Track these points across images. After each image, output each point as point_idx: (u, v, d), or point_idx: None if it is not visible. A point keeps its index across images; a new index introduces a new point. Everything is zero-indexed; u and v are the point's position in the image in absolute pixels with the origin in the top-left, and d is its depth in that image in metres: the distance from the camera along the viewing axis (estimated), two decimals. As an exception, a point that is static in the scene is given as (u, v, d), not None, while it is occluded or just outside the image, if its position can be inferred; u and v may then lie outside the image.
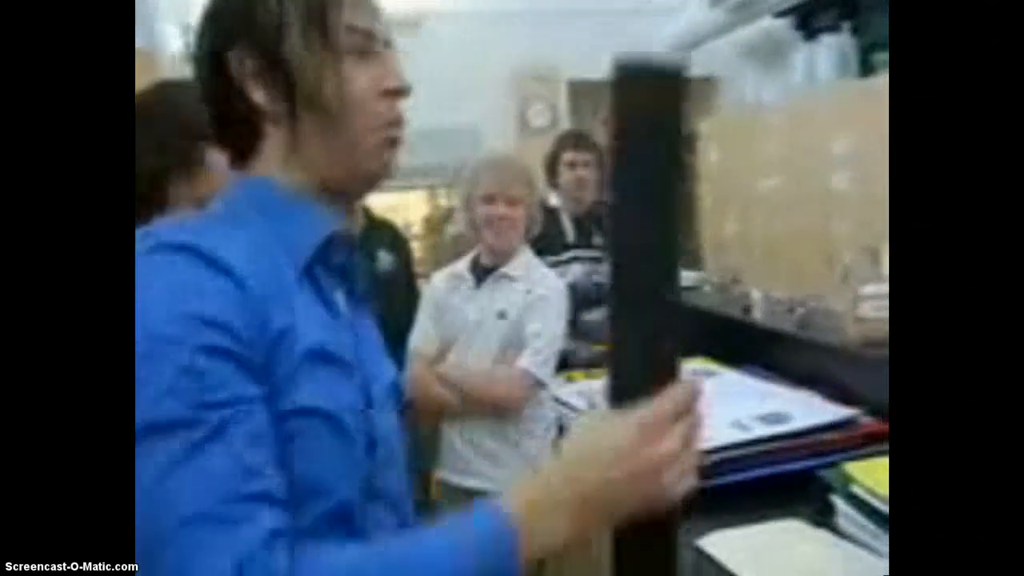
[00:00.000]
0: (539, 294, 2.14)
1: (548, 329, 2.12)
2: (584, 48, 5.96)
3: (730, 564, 1.37)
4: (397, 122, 0.82)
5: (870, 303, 2.23)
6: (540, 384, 2.11)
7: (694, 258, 6.40)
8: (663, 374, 0.70)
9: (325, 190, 0.82)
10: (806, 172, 5.17)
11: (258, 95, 0.79)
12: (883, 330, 2.12)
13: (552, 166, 2.94)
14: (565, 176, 2.91)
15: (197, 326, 0.65)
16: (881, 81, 4.64)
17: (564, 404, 2.20)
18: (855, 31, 5.09)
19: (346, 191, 0.85)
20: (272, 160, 0.81)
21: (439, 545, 0.69)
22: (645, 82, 0.69)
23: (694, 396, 0.72)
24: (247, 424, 0.66)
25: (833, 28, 5.22)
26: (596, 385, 2.36)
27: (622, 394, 0.70)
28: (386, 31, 0.83)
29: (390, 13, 0.85)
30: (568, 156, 2.92)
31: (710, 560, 1.39)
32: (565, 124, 5.99)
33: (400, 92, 0.82)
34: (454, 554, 0.68)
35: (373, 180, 0.85)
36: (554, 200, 2.95)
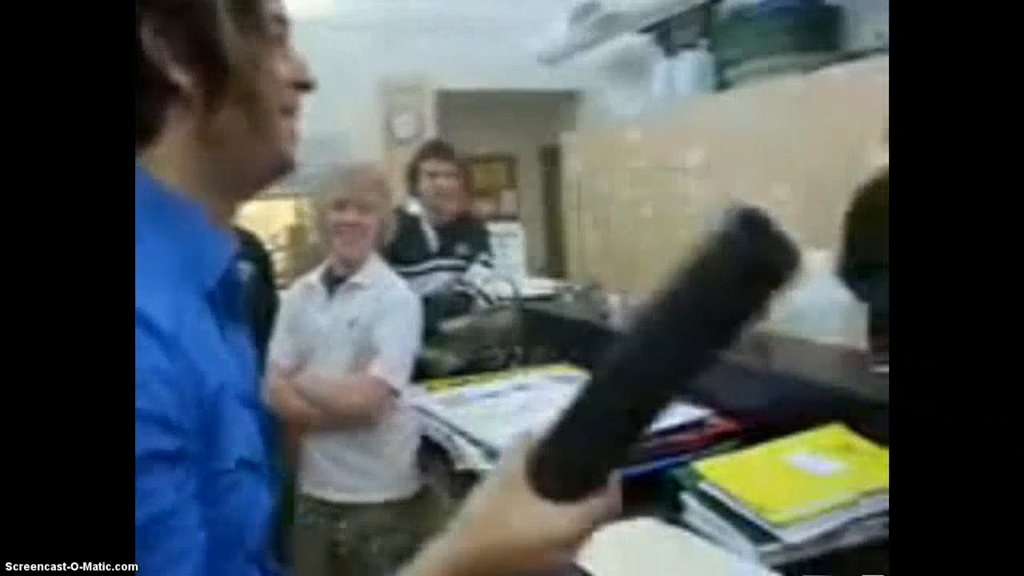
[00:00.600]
0: (389, 301, 2.12)
1: (398, 335, 2.11)
2: (451, 60, 6.00)
3: (585, 563, 1.39)
4: (296, 114, 0.80)
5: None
6: (394, 392, 2.09)
7: (558, 268, 6.52)
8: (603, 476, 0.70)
9: (225, 186, 0.76)
10: (665, 182, 5.36)
11: (180, 77, 0.70)
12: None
13: (413, 175, 2.93)
14: (425, 185, 2.90)
15: None
16: (735, 95, 4.86)
17: (427, 413, 2.19)
18: (711, 48, 5.30)
19: (249, 185, 0.79)
20: (172, 149, 0.71)
21: None
22: (769, 242, 0.62)
23: (613, 514, 0.71)
24: (172, 541, 0.62)
25: (691, 45, 5.42)
26: (459, 393, 2.37)
27: (555, 473, 0.69)
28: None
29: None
30: (429, 166, 2.91)
31: (565, 562, 1.41)
32: (431, 134, 5.99)
33: (310, 86, 0.80)
34: None
35: (280, 171, 0.79)
36: (415, 209, 2.94)
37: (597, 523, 0.69)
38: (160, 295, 0.63)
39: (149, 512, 0.60)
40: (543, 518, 0.67)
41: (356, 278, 2.12)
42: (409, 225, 2.86)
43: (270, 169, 0.78)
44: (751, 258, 0.60)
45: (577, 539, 0.69)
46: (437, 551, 0.70)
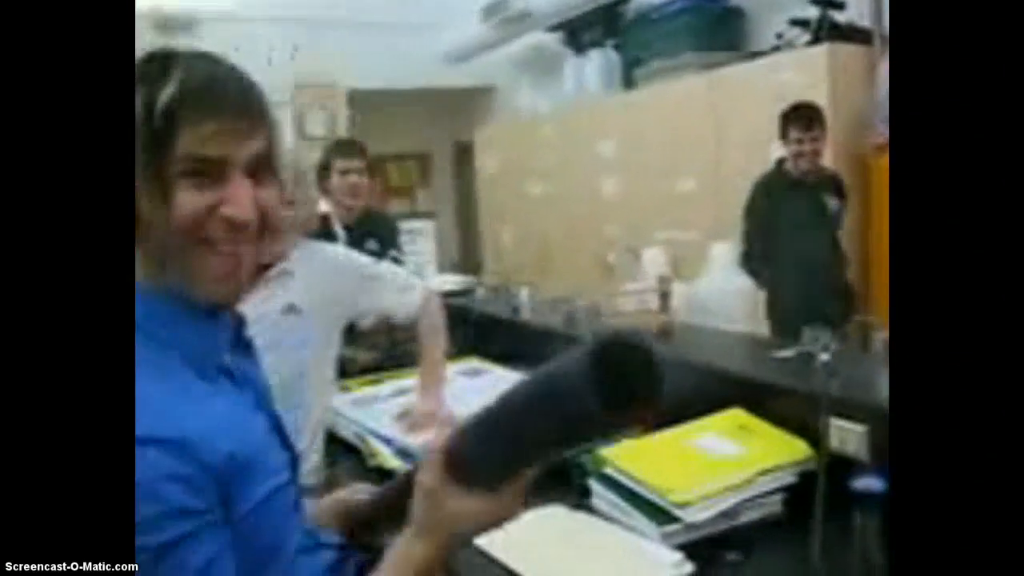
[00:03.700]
0: (342, 262, 2.14)
1: (379, 264, 2.23)
2: (363, 58, 5.96)
3: (495, 552, 1.42)
4: (228, 247, 0.79)
5: (628, 299, 2.38)
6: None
7: (472, 263, 6.54)
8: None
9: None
10: (576, 178, 5.44)
11: None
12: (640, 322, 2.28)
13: (323, 173, 2.91)
14: (336, 182, 2.88)
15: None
16: (641, 93, 4.95)
17: (338, 414, 2.18)
18: (618, 47, 5.40)
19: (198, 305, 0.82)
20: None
21: None
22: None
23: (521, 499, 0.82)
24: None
25: (599, 43, 5.51)
26: (371, 392, 2.37)
27: (479, 472, 0.79)
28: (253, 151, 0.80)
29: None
30: (339, 163, 2.89)
31: (476, 551, 1.43)
32: (344, 132, 5.95)
33: (236, 222, 0.79)
34: None
35: (214, 305, 0.82)
36: (325, 207, 2.92)
37: (512, 507, 0.81)
38: (165, 411, 0.73)
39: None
40: (473, 506, 0.79)
41: (286, 265, 2.03)
42: (319, 224, 2.83)
43: (204, 302, 0.81)
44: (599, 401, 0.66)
45: (499, 519, 0.81)
46: (396, 548, 0.83)
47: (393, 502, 0.93)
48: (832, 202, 3.27)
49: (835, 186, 3.34)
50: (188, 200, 0.76)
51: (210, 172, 0.78)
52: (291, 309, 1.97)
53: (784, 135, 3.23)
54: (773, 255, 3.26)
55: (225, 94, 0.80)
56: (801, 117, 3.19)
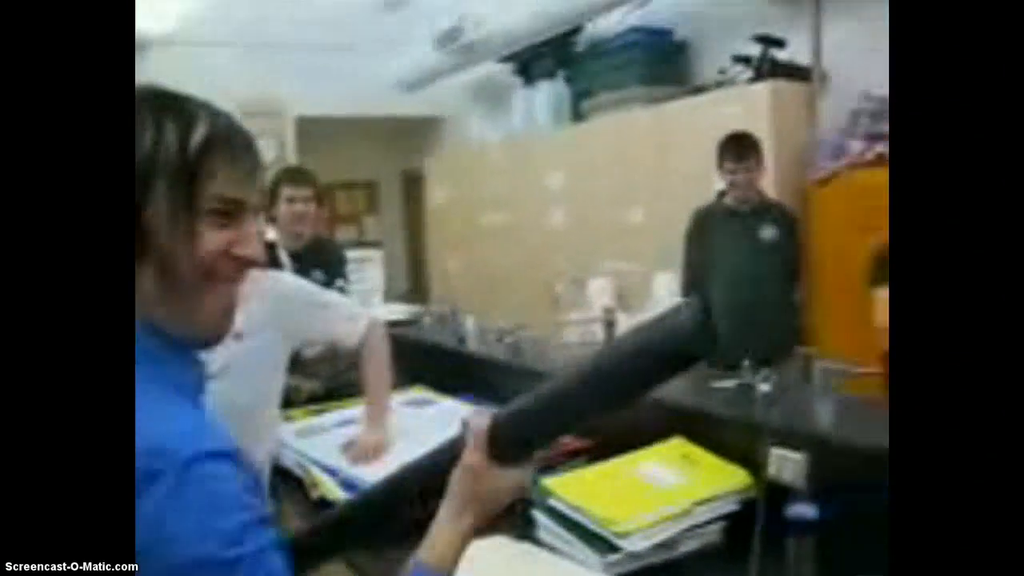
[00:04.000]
0: (291, 295, 2.11)
1: (326, 294, 2.19)
2: (310, 84, 5.95)
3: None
4: (232, 285, 0.84)
5: (573, 329, 2.40)
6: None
7: (420, 292, 6.54)
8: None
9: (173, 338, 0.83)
10: (525, 208, 5.48)
11: None
12: (584, 355, 2.30)
13: (270, 200, 2.89)
14: (282, 210, 2.86)
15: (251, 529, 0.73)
16: (590, 125, 5.02)
17: (282, 444, 2.15)
18: (568, 79, 5.47)
19: (189, 345, 0.85)
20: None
21: None
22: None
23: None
24: None
25: (550, 75, 5.57)
26: (316, 422, 2.35)
27: (516, 448, 0.93)
28: (258, 197, 0.86)
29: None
30: (287, 191, 2.88)
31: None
32: (292, 159, 5.92)
33: (249, 260, 0.84)
34: None
35: (206, 343, 0.87)
36: (271, 235, 2.90)
37: (527, 480, 0.96)
38: (207, 428, 0.77)
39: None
40: (509, 479, 0.92)
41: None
42: (266, 252, 2.81)
43: (202, 335, 0.85)
44: (689, 351, 0.81)
45: (522, 492, 0.96)
46: (443, 523, 0.92)
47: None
48: (769, 231, 3.30)
49: (779, 216, 3.36)
50: (212, 238, 0.81)
51: (230, 213, 0.82)
52: (240, 335, 1.94)
53: (720, 165, 3.27)
54: (711, 284, 3.29)
55: (243, 140, 0.86)
56: (734, 147, 3.23)
